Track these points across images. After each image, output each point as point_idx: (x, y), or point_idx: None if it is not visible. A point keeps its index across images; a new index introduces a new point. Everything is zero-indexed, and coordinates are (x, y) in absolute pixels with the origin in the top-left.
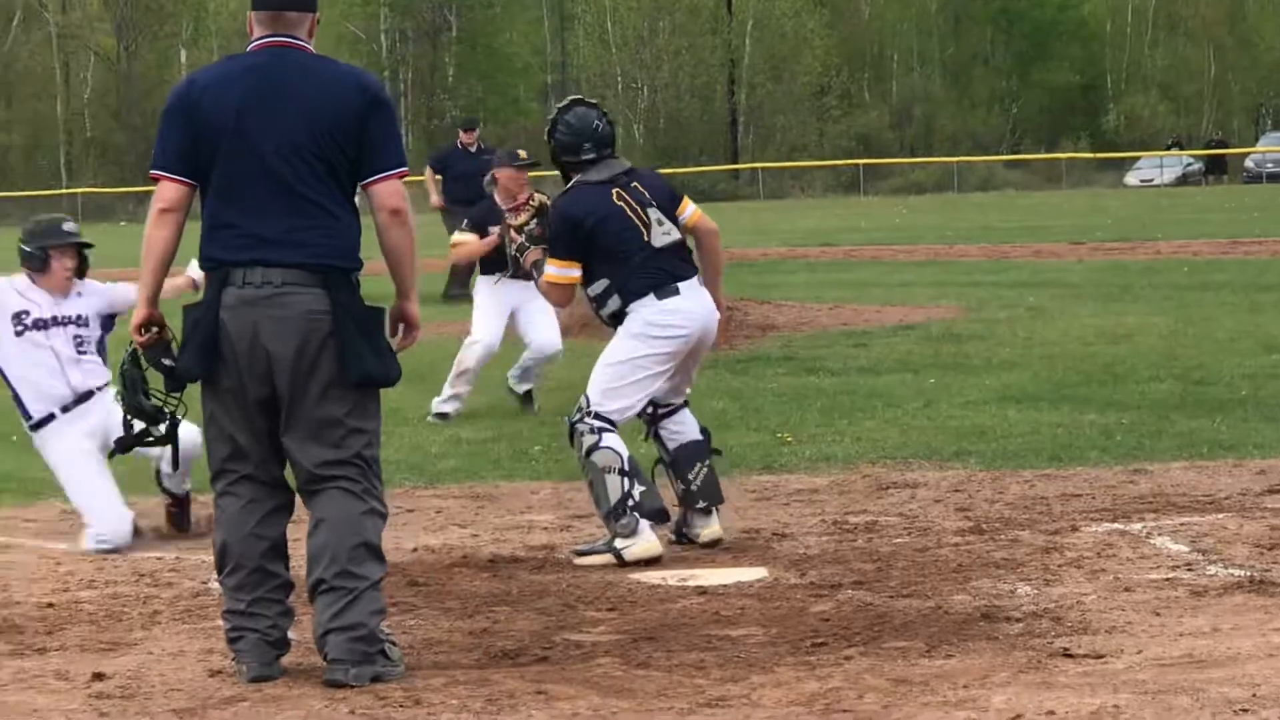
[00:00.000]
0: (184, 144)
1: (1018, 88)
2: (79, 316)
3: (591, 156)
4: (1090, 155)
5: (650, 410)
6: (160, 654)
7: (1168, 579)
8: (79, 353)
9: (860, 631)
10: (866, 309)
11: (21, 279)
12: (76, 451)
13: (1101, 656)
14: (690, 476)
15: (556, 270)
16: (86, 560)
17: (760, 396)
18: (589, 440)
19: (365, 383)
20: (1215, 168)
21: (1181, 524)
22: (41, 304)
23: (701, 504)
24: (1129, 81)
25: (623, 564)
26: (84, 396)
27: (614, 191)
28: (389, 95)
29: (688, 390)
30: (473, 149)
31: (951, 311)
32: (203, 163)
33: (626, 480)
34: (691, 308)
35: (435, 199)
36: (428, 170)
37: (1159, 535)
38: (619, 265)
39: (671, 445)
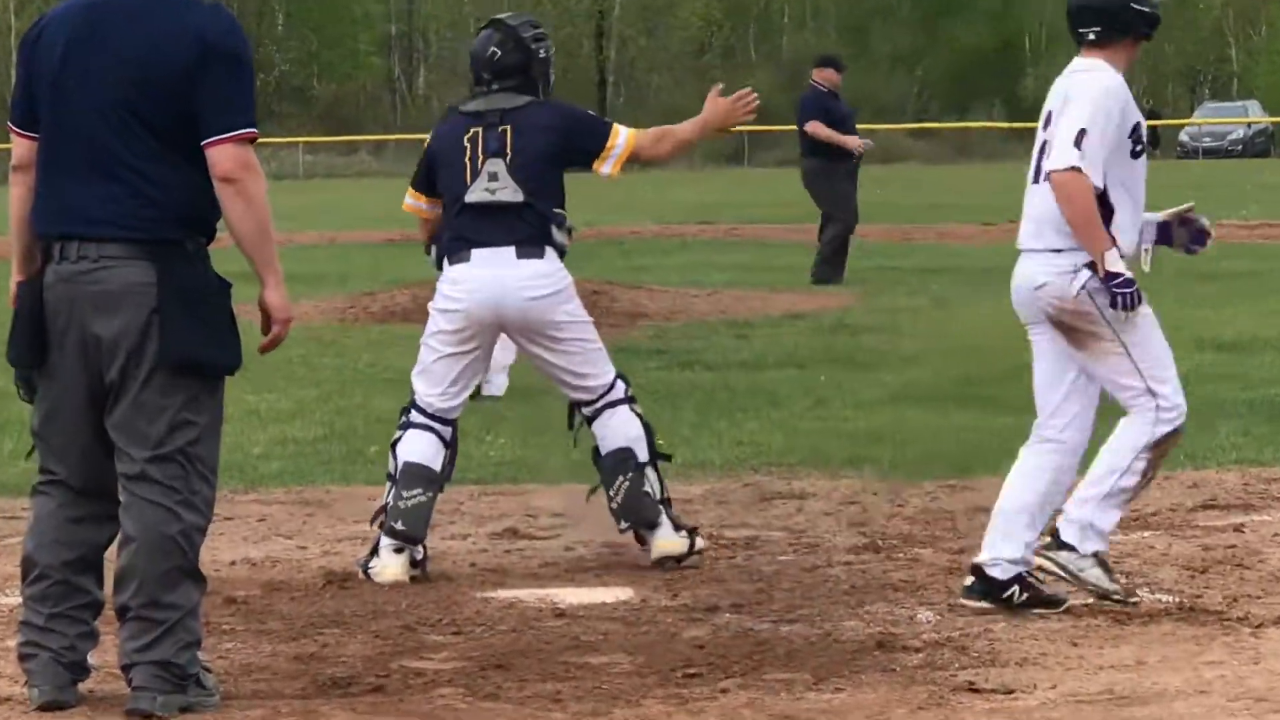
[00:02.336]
0: (24, 92)
1: (923, 46)
2: None
3: (493, 88)
4: (1005, 125)
5: (577, 408)
6: None
7: (1087, 605)
8: None
9: (738, 661)
10: (750, 295)
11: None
12: None
13: (1011, 692)
14: (612, 493)
15: (407, 198)
16: None
17: None
18: (395, 435)
19: (187, 367)
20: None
21: None
22: None
23: (622, 525)
24: (1050, 42)
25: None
26: None
27: (472, 129)
28: (241, 45)
29: (574, 388)
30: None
31: (845, 299)
32: (36, 116)
33: (390, 488)
34: (475, 277)
35: (856, 142)
36: (814, 123)
37: None
38: (445, 215)
39: (601, 452)
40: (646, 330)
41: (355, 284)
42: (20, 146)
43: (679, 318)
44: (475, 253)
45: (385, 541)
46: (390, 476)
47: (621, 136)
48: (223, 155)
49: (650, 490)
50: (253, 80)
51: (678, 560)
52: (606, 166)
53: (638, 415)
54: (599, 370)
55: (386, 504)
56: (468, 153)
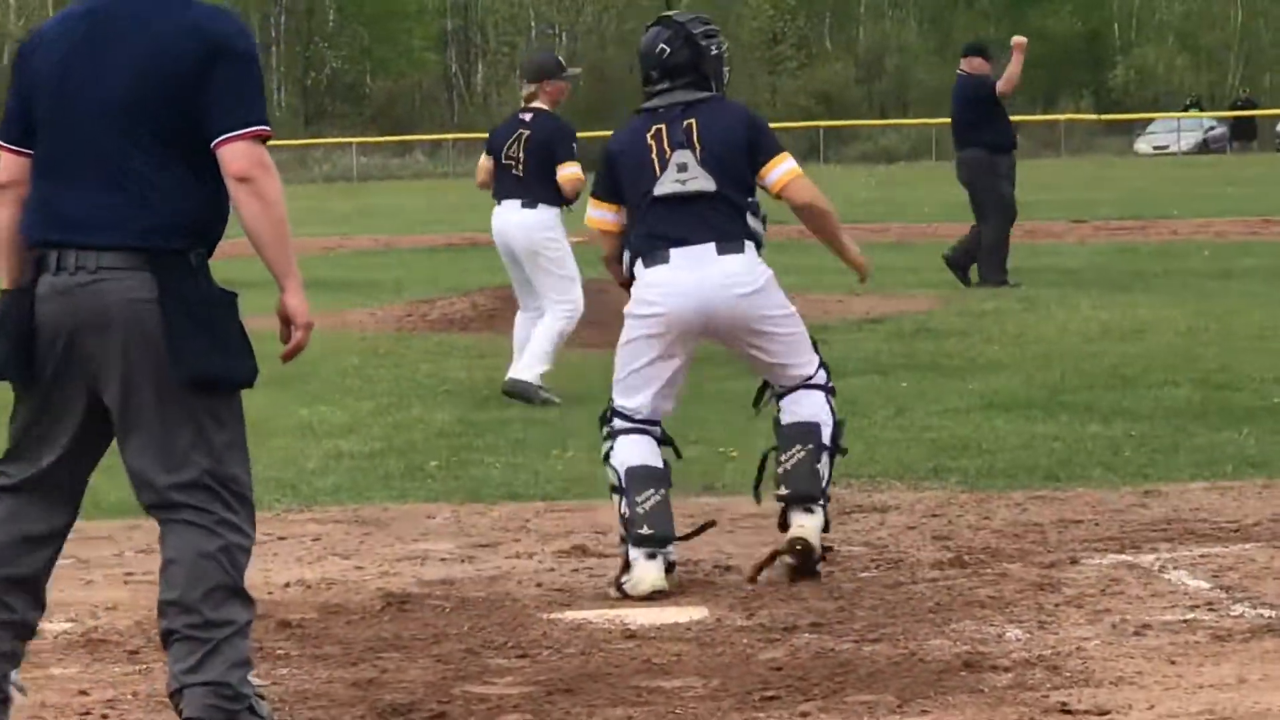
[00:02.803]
0: (18, 106)
1: (1007, 36)
2: None
3: (664, 86)
4: (1094, 117)
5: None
6: None
7: (1185, 621)
8: None
9: (819, 683)
10: (825, 299)
11: None
12: None
13: (1106, 713)
14: (784, 458)
15: (590, 210)
16: None
17: (700, 403)
18: (604, 449)
19: (199, 384)
20: (1242, 132)
21: (1202, 556)
22: None
23: (783, 490)
24: (1140, 29)
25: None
26: None
27: (655, 126)
28: (248, 42)
29: (780, 378)
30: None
31: (928, 302)
32: (33, 127)
33: (620, 499)
34: (676, 281)
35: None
36: (1003, 81)
37: (1174, 569)
38: (631, 215)
39: (782, 421)
40: None
41: (412, 291)
42: (11, 164)
43: None
44: (674, 253)
45: (635, 552)
46: (615, 488)
47: (791, 158)
48: (236, 153)
49: (821, 472)
50: (261, 80)
51: (802, 560)
52: (775, 174)
53: (832, 406)
54: (806, 359)
55: (623, 515)
56: (653, 149)
